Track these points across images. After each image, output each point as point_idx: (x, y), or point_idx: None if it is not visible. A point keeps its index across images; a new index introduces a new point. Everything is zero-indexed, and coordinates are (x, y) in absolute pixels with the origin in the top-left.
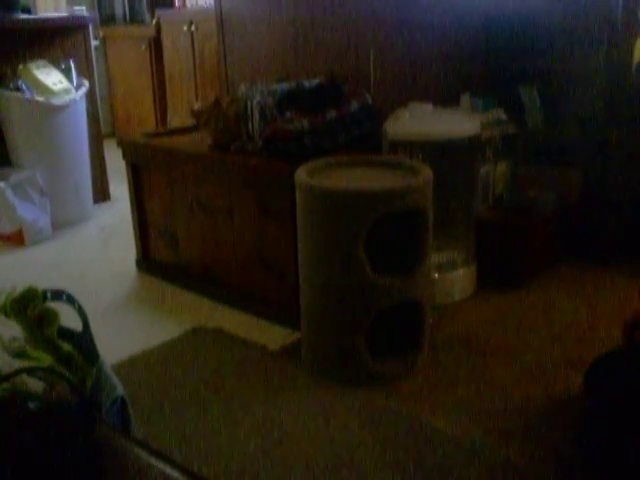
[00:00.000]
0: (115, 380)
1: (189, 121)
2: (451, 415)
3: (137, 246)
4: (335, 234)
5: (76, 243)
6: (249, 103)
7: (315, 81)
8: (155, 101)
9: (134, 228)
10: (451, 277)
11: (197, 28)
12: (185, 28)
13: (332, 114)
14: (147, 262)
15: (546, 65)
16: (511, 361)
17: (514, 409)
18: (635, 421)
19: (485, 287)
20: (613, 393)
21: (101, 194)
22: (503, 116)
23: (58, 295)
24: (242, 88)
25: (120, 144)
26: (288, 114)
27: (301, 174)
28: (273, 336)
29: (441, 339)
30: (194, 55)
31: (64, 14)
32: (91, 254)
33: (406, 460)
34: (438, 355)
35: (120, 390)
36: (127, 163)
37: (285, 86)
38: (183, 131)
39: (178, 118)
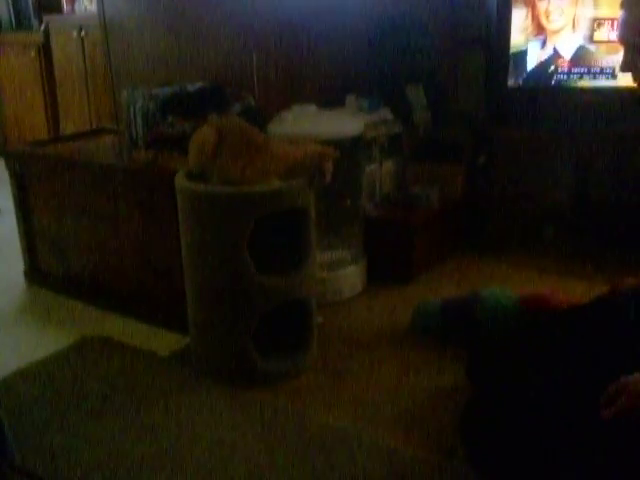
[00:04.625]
0: None
1: (82, 127)
2: (339, 409)
3: (24, 257)
4: (217, 236)
5: None
6: (132, 108)
7: (198, 85)
8: (47, 109)
9: (20, 239)
10: (341, 275)
11: (87, 34)
12: (75, 34)
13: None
14: (36, 273)
15: (431, 65)
16: (399, 354)
17: (401, 400)
18: (517, 409)
19: (375, 283)
20: (494, 381)
21: None
22: (389, 115)
23: None
24: (124, 93)
25: (3, 154)
26: (170, 118)
27: (181, 178)
28: (163, 342)
29: (331, 336)
30: (85, 61)
31: None
32: None
33: (295, 457)
34: (328, 352)
35: None
36: (10, 173)
37: (168, 90)
38: (71, 138)
39: (71, 125)
